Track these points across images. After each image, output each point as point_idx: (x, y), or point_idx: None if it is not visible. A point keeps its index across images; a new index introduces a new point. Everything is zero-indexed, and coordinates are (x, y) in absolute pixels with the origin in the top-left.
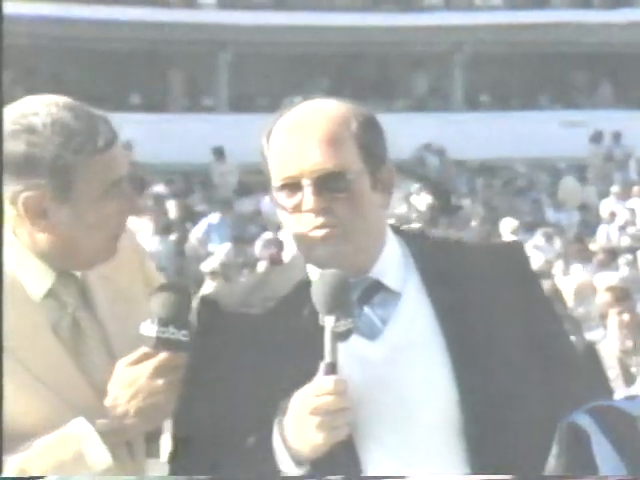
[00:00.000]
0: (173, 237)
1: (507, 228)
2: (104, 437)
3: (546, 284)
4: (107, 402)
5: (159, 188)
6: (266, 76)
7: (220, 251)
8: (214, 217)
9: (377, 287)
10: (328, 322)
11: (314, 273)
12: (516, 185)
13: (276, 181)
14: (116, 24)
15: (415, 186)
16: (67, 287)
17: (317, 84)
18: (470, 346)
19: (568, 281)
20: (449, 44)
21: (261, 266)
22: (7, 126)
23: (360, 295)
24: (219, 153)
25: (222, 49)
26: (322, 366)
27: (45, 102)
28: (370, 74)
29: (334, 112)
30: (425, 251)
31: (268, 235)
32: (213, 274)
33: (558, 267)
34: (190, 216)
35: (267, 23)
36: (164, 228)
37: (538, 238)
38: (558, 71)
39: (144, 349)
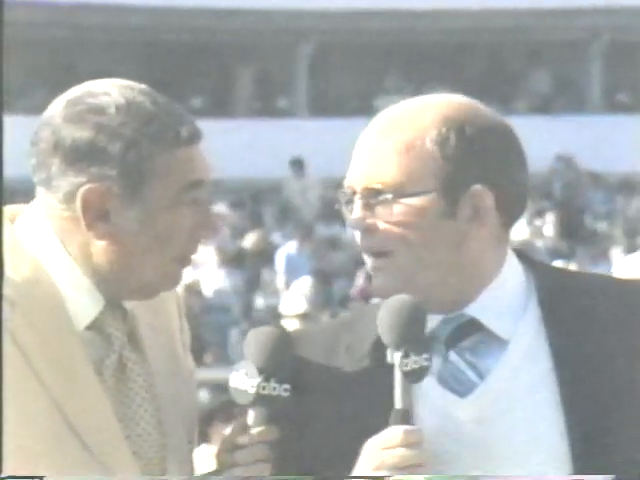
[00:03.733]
0: (242, 269)
1: None
2: None
3: None
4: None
5: (224, 210)
6: (354, 72)
7: (299, 287)
8: (291, 245)
9: (473, 327)
10: (395, 359)
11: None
12: None
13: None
14: (174, 11)
15: (539, 205)
16: (115, 319)
17: (416, 81)
18: (590, 407)
19: None
20: (583, 31)
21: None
22: (66, 108)
23: (449, 335)
24: (298, 166)
25: (301, 39)
26: (393, 414)
27: (117, 84)
28: (482, 68)
29: (416, 113)
30: (555, 286)
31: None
32: (294, 316)
33: None
34: (263, 244)
35: (356, 7)
36: (232, 259)
37: None
38: None
39: (238, 422)
